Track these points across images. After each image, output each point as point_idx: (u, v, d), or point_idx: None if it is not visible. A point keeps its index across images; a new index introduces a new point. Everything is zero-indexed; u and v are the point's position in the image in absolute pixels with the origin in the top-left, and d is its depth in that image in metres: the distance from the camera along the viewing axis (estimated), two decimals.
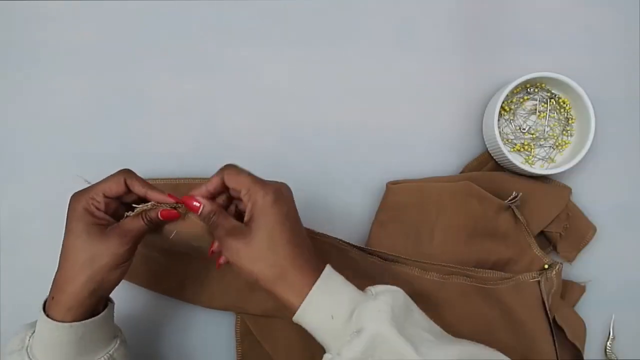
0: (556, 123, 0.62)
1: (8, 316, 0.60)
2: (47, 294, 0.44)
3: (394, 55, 0.63)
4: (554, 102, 0.62)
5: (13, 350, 0.44)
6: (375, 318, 0.40)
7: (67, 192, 0.60)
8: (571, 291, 0.61)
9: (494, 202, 0.58)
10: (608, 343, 0.61)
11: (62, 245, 0.44)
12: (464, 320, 0.56)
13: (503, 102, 0.60)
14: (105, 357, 0.45)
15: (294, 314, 0.42)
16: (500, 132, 0.61)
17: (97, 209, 0.44)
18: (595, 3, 0.64)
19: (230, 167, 0.45)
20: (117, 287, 0.46)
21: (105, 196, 0.44)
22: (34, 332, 0.44)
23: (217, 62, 0.63)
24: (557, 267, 0.58)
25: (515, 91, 0.62)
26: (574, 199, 0.62)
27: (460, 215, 0.58)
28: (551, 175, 0.59)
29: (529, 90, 0.62)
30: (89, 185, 0.46)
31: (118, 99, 0.62)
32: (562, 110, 0.61)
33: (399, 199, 0.59)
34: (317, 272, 0.42)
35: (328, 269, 0.43)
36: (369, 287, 0.44)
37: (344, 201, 0.61)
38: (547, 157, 0.62)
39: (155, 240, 0.49)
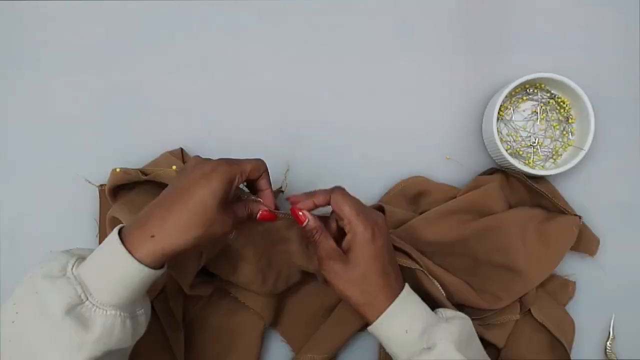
0: (556, 123, 0.62)
1: None
2: None
3: (393, 55, 0.63)
4: (554, 103, 0.62)
5: (54, 274, 0.40)
6: (446, 338, 0.44)
7: (66, 192, 0.61)
8: (563, 289, 0.61)
9: None
10: (608, 343, 0.61)
11: (188, 190, 0.43)
12: None
13: (502, 103, 0.60)
14: (145, 307, 0.45)
15: (371, 318, 0.48)
16: (499, 133, 0.61)
17: (238, 183, 0.46)
18: (595, 3, 0.64)
19: (338, 192, 0.49)
20: None
21: (247, 174, 0.47)
22: (77, 260, 0.42)
23: (217, 62, 0.63)
24: None
25: (514, 92, 0.62)
26: (574, 199, 0.62)
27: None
28: (551, 175, 0.59)
29: (528, 90, 0.62)
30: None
31: (118, 98, 0.62)
32: (562, 110, 0.61)
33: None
34: (398, 291, 0.48)
35: (406, 289, 0.49)
36: (439, 310, 0.50)
37: None
38: (546, 157, 0.62)
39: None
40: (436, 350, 0.44)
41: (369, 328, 0.48)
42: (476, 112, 0.63)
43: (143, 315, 0.44)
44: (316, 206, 0.49)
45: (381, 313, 0.47)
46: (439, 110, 0.63)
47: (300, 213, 0.49)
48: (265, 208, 0.49)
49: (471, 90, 0.63)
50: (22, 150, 0.62)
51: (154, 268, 0.41)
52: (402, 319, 0.47)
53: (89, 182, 0.61)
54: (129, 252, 0.40)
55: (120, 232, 0.42)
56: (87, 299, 0.40)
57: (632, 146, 0.63)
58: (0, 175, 0.61)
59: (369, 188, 0.62)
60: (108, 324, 0.40)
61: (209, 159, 0.46)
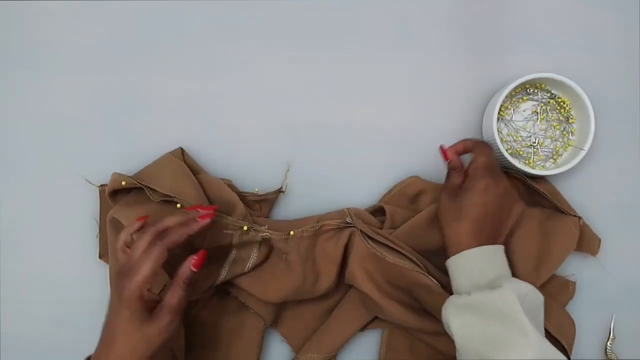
0: (556, 123, 0.62)
1: (8, 316, 0.60)
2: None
3: (393, 55, 0.63)
4: (554, 103, 0.62)
5: None
6: (512, 289, 0.46)
7: (66, 192, 0.61)
8: (563, 289, 0.60)
9: None
10: (608, 343, 0.61)
11: (110, 326, 0.44)
12: None
13: (502, 103, 0.60)
14: None
15: (451, 255, 0.52)
16: (499, 133, 0.61)
17: (147, 291, 0.45)
18: (595, 3, 0.64)
19: (482, 144, 0.56)
20: None
21: (154, 276, 0.45)
22: None
23: (217, 62, 0.63)
24: None
25: (514, 92, 0.62)
26: (574, 199, 0.62)
27: None
28: (551, 175, 0.59)
29: (528, 90, 0.62)
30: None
31: (118, 98, 0.62)
32: (562, 110, 0.61)
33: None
34: (486, 243, 0.51)
35: (495, 248, 0.52)
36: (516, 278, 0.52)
37: (343, 200, 0.61)
38: (547, 157, 0.62)
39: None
40: (498, 291, 0.46)
41: (451, 258, 0.52)
42: (476, 112, 0.63)
43: None
44: (459, 152, 0.57)
45: (468, 245, 0.50)
46: (439, 110, 0.63)
47: (450, 154, 0.56)
48: (190, 261, 0.47)
49: (471, 90, 0.63)
50: (22, 150, 0.62)
51: None
52: (479, 262, 0.50)
53: (89, 182, 0.61)
54: None
55: None
56: None
57: (632, 146, 0.63)
58: (0, 175, 0.61)
59: (369, 188, 0.62)
60: None
61: (116, 281, 0.45)
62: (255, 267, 0.55)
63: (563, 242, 0.57)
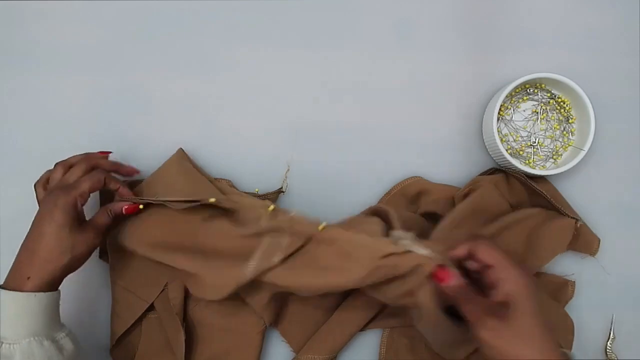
0: (556, 123, 0.62)
1: None
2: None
3: (393, 55, 0.63)
4: (554, 103, 0.62)
5: None
6: None
7: None
8: (563, 289, 0.60)
9: None
10: (608, 343, 0.61)
11: (39, 230, 0.49)
12: None
13: (502, 103, 0.60)
14: (65, 332, 0.50)
15: None
16: (499, 133, 0.61)
17: (81, 205, 0.51)
18: (595, 3, 0.64)
19: (485, 241, 0.45)
20: None
21: (89, 193, 0.51)
22: None
23: (217, 62, 0.63)
24: None
25: (514, 92, 0.62)
26: (574, 199, 0.62)
27: None
28: (551, 175, 0.59)
29: (528, 90, 0.62)
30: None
31: (118, 98, 0.62)
32: (562, 110, 0.61)
33: None
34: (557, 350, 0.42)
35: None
36: None
37: (343, 200, 0.61)
38: (547, 157, 0.62)
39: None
40: None
41: None
42: (476, 112, 0.63)
43: (66, 338, 0.50)
44: (457, 259, 0.46)
45: None
46: (439, 110, 0.63)
47: (445, 273, 0.44)
48: (126, 203, 0.53)
49: (471, 90, 0.63)
50: (22, 150, 0.62)
51: (44, 291, 0.48)
52: None
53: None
54: (16, 291, 0.47)
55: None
56: (2, 342, 0.46)
57: (632, 146, 0.63)
58: (0, 175, 0.61)
59: (368, 188, 0.62)
60: (25, 351, 0.46)
61: (52, 192, 0.50)
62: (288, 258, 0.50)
63: (552, 242, 0.57)
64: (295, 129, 0.62)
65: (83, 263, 0.51)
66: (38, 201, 0.53)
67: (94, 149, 0.61)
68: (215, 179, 0.60)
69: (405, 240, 0.47)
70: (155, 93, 0.62)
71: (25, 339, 0.46)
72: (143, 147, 0.61)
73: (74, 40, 0.62)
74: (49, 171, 0.54)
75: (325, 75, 0.63)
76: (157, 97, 0.62)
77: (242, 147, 0.62)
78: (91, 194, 0.52)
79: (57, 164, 0.54)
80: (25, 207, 0.61)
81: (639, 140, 0.63)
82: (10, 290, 0.47)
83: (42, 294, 0.47)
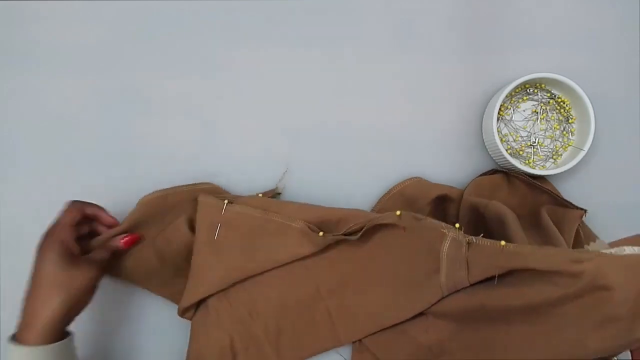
0: (556, 123, 0.62)
1: (8, 316, 0.60)
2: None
3: (394, 55, 0.63)
4: (554, 103, 0.62)
5: None
6: None
7: (66, 192, 0.61)
8: None
9: None
10: None
11: (35, 275, 0.49)
12: None
13: (502, 103, 0.60)
14: None
15: None
16: (499, 133, 0.61)
17: (69, 239, 0.50)
18: (595, 3, 0.64)
19: None
20: None
21: (72, 225, 0.51)
22: None
23: (217, 62, 0.63)
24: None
25: (514, 92, 0.62)
26: (574, 199, 0.62)
27: None
28: (551, 175, 0.59)
29: (528, 90, 0.62)
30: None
31: (118, 98, 0.62)
32: (562, 110, 0.61)
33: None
34: None
35: None
36: None
37: (343, 201, 0.61)
38: (546, 157, 0.62)
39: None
40: None
41: None
42: (476, 112, 0.63)
43: None
44: None
45: None
46: (439, 111, 0.63)
47: None
48: (122, 237, 0.54)
49: (471, 90, 0.63)
50: (22, 150, 0.62)
51: (50, 342, 0.47)
52: None
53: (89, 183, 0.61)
54: (21, 344, 0.46)
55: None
56: None
57: (632, 146, 0.63)
58: (0, 175, 0.61)
59: (368, 189, 0.62)
60: None
61: (40, 239, 0.50)
62: None
63: (570, 229, 0.57)
64: (295, 129, 0.62)
65: (86, 302, 0.51)
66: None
67: (94, 148, 0.62)
68: (200, 183, 0.60)
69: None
70: (155, 93, 0.62)
71: None
72: (143, 147, 0.61)
73: (74, 41, 0.62)
74: None
75: (325, 75, 0.63)
76: (157, 97, 0.62)
77: (242, 147, 0.62)
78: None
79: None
80: (25, 207, 0.61)
81: (639, 140, 0.63)
82: (17, 342, 0.46)
83: (43, 347, 0.46)
